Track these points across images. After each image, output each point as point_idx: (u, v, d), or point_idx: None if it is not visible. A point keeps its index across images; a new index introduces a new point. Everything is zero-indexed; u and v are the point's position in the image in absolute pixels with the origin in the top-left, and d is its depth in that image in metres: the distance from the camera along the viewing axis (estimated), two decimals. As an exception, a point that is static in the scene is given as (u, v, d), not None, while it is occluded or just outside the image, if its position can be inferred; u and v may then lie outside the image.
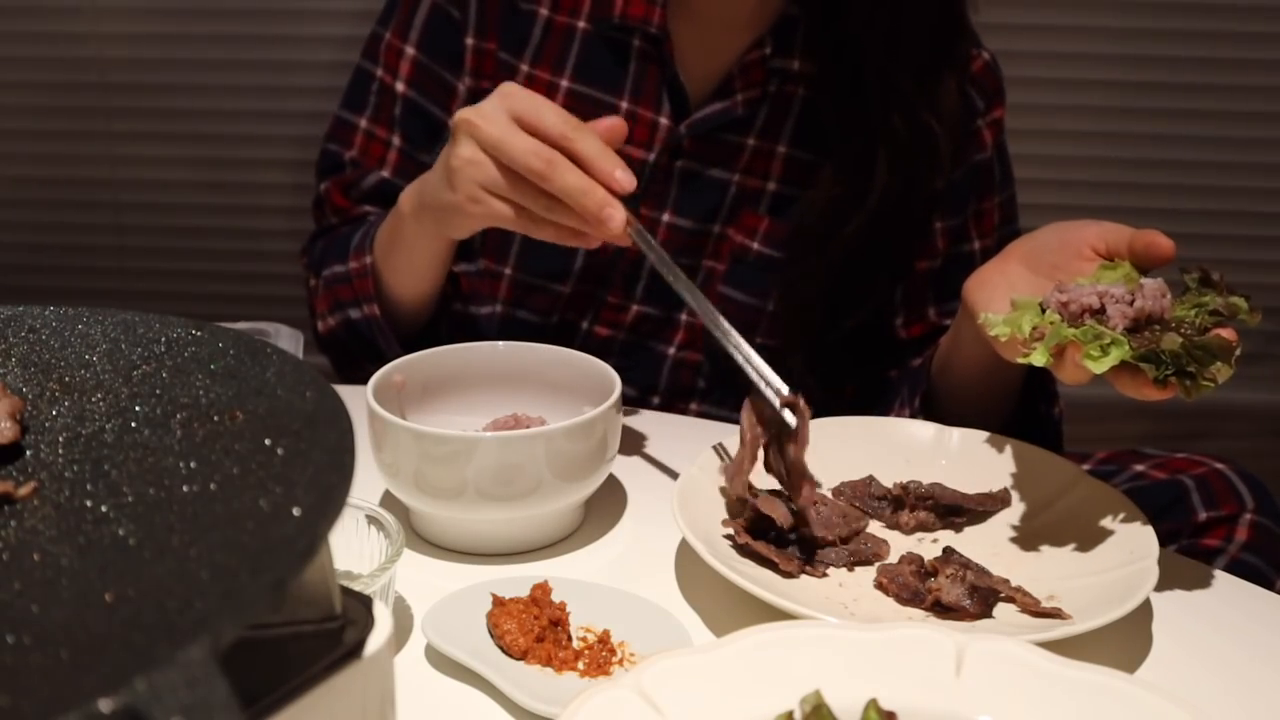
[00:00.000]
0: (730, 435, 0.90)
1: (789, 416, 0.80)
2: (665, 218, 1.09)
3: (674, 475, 0.83)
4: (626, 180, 0.84)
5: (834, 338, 1.12)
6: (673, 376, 1.13)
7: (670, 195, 1.08)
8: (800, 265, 1.08)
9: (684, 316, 1.12)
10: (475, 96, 1.09)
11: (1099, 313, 0.75)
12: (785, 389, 0.81)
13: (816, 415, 0.93)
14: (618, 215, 0.83)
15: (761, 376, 0.81)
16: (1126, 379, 0.73)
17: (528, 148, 0.83)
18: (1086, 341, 0.73)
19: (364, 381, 0.84)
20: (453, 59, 1.11)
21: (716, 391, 1.13)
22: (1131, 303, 0.75)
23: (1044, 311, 0.77)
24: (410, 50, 1.11)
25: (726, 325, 0.84)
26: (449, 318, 1.11)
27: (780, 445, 0.81)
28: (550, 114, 0.84)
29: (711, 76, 1.07)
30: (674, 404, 1.13)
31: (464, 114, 0.87)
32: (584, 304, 1.11)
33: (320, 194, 1.16)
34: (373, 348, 1.07)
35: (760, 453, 0.82)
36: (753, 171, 1.08)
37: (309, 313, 1.16)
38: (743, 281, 1.10)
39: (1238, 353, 0.74)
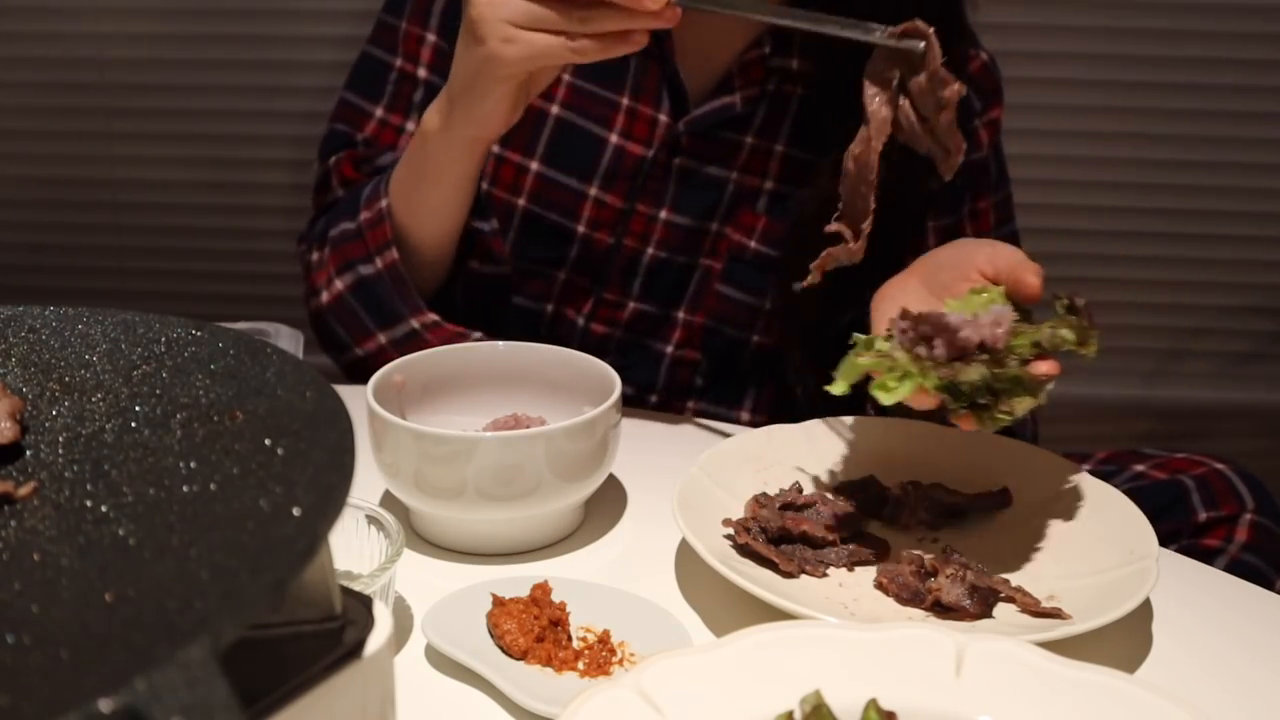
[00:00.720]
0: (732, 434, 0.90)
1: (911, 43, 0.79)
2: (663, 215, 1.09)
3: (674, 475, 0.83)
4: None
5: (830, 334, 1.12)
6: (671, 375, 1.13)
7: (668, 192, 1.08)
8: (797, 262, 1.08)
9: (681, 314, 1.11)
10: None
11: (929, 341, 0.75)
12: (887, 27, 0.80)
13: (813, 415, 0.93)
14: None
15: (860, 27, 0.80)
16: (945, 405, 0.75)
17: None
18: (884, 371, 0.74)
19: (364, 380, 0.84)
20: None
21: (714, 390, 1.13)
22: (958, 333, 0.75)
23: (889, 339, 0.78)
24: (431, 37, 1.10)
25: (792, 10, 0.83)
26: (465, 277, 1.09)
27: (910, 93, 0.80)
28: None
29: (711, 74, 1.07)
30: (672, 402, 1.13)
31: None
32: (580, 297, 1.11)
33: (328, 168, 1.13)
34: (386, 309, 1.03)
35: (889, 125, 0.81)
36: (751, 170, 1.08)
37: (307, 295, 1.11)
38: (740, 280, 1.10)
39: (1049, 386, 0.75)
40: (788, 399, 1.12)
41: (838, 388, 0.76)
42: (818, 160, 1.07)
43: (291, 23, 1.87)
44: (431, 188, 1.00)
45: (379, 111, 1.12)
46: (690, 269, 1.10)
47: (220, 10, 1.87)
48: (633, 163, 1.07)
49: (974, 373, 0.73)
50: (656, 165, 1.07)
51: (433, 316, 1.02)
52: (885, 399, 0.74)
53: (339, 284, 1.05)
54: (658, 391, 1.13)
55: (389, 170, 1.04)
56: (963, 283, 0.84)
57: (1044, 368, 0.75)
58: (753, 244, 1.09)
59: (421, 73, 1.11)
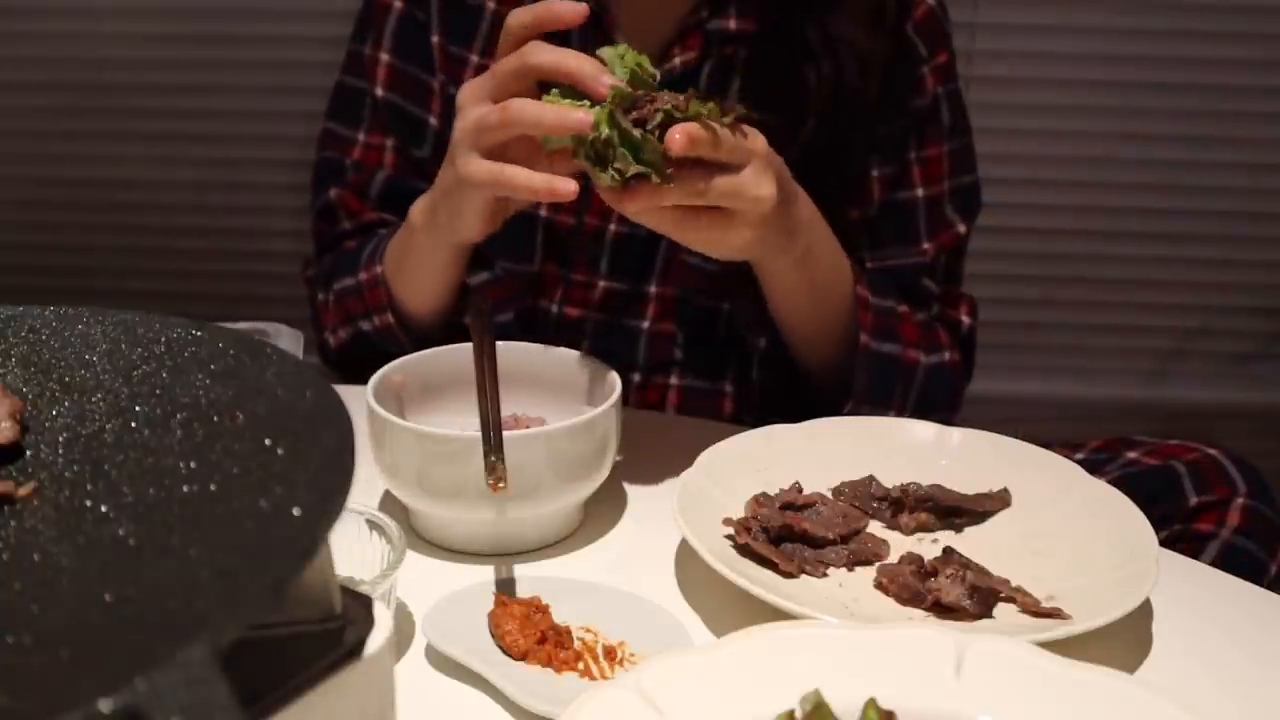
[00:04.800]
0: (732, 434, 0.89)
1: None
2: None
3: (674, 475, 0.83)
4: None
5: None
6: (650, 351, 1.12)
7: None
8: None
9: (653, 289, 1.11)
10: (445, 92, 1.12)
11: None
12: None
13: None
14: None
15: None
16: None
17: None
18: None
19: (364, 382, 0.84)
20: (424, 59, 1.13)
21: (695, 362, 1.13)
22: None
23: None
24: (385, 57, 1.14)
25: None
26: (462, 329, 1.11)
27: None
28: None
29: (652, 45, 1.06)
30: (654, 378, 1.13)
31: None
32: (551, 285, 1.12)
33: (330, 201, 1.16)
34: (387, 355, 1.08)
35: None
36: None
37: (316, 328, 1.17)
38: None
39: (669, 170, 0.79)
40: (761, 365, 1.12)
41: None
42: (767, 120, 1.07)
43: (291, 23, 1.87)
44: (415, 271, 1.04)
45: (361, 136, 1.16)
46: (655, 241, 1.10)
47: (220, 10, 1.87)
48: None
49: (601, 115, 0.79)
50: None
51: None
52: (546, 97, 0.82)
53: (343, 333, 1.12)
54: (639, 369, 1.13)
55: (388, 234, 1.08)
56: None
57: (673, 140, 0.78)
58: None
59: (380, 91, 1.14)
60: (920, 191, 1.11)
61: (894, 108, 1.08)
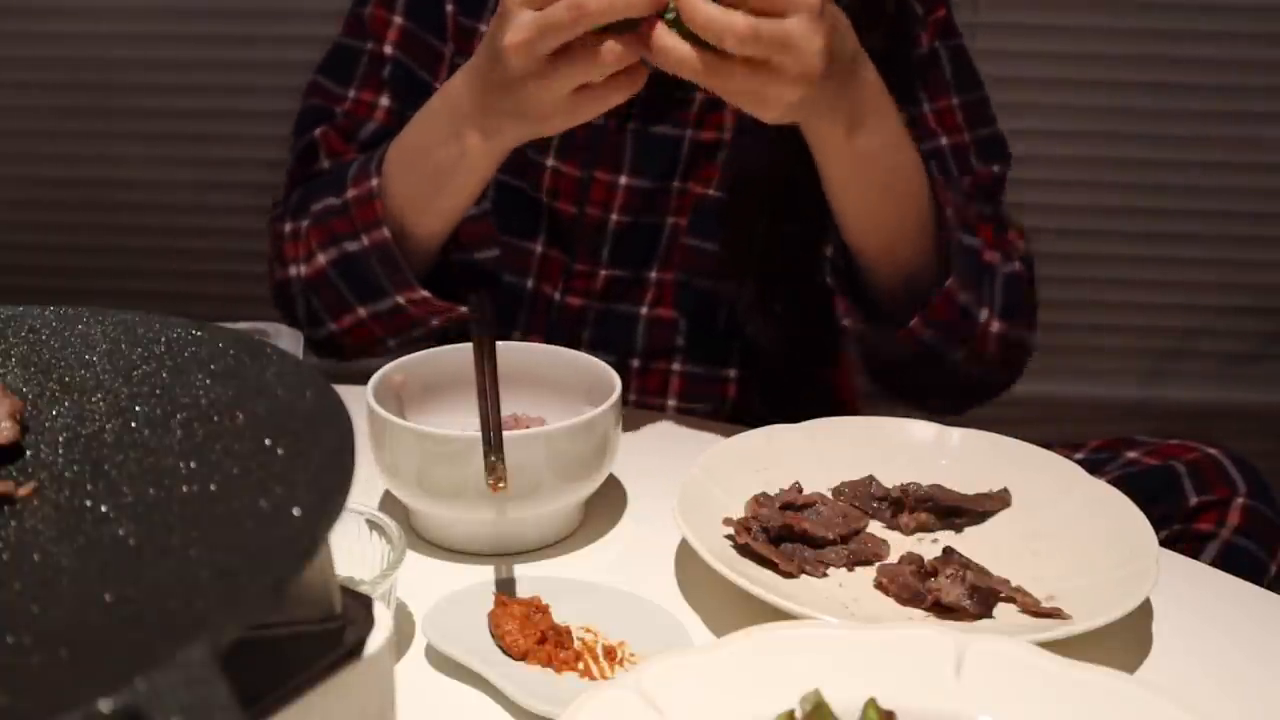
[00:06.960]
0: (732, 434, 0.89)
1: None
2: (623, 180, 1.09)
3: (674, 475, 0.83)
4: None
5: (778, 266, 1.09)
6: (648, 337, 1.12)
7: (625, 157, 1.08)
8: (744, 202, 1.05)
9: (654, 274, 1.11)
10: (453, 62, 1.11)
11: None
12: None
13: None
14: None
15: None
16: None
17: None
18: None
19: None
20: (437, 26, 1.12)
21: (696, 348, 1.12)
22: None
23: None
24: (398, 19, 1.12)
25: None
26: (451, 267, 1.08)
27: None
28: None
29: None
30: (653, 364, 1.12)
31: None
32: (554, 272, 1.12)
33: (313, 140, 1.13)
34: (370, 285, 1.02)
35: None
36: (705, 124, 1.08)
37: (278, 264, 1.09)
38: (706, 230, 1.10)
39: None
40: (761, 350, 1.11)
41: None
42: None
43: (291, 23, 1.87)
44: (452, 196, 0.99)
45: (352, 92, 1.13)
46: (657, 229, 1.10)
47: (220, 10, 1.87)
48: (585, 130, 1.02)
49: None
50: (609, 131, 1.07)
51: (423, 293, 1.00)
52: None
53: (321, 258, 1.04)
54: (638, 355, 1.12)
55: (378, 152, 1.03)
56: None
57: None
58: (712, 192, 1.09)
59: (388, 50, 1.12)
60: (944, 140, 1.09)
61: (895, 77, 1.07)
